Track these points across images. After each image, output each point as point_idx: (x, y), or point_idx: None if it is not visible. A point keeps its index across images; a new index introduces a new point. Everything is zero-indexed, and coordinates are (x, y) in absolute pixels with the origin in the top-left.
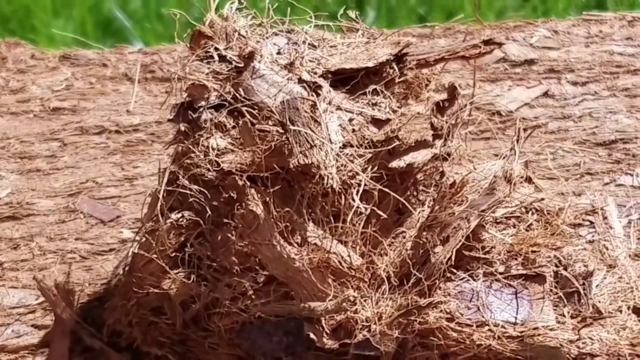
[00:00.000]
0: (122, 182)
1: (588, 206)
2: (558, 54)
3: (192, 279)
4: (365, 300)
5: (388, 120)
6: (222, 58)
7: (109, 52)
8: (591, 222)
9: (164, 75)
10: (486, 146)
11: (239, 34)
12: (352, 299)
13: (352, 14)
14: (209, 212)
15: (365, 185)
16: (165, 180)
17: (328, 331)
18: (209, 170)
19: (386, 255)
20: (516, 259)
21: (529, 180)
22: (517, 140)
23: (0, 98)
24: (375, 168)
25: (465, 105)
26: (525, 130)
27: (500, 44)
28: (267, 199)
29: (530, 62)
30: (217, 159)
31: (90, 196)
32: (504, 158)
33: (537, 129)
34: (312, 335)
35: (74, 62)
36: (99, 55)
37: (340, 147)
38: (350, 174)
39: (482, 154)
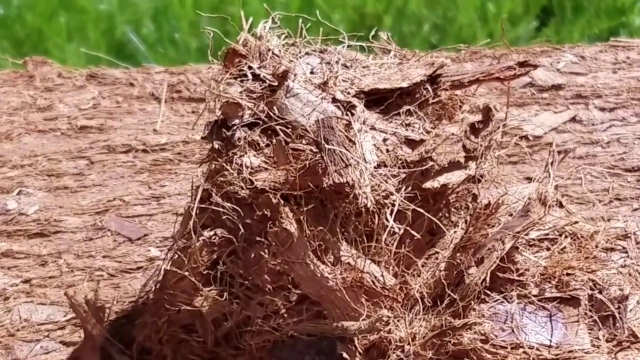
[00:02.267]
0: (150, 200)
1: (620, 231)
2: (585, 80)
3: (224, 297)
4: (398, 321)
5: (422, 141)
6: (256, 77)
7: (136, 72)
8: (623, 247)
9: (191, 95)
10: (514, 170)
11: (273, 53)
12: (385, 319)
13: (384, 35)
14: (242, 230)
15: (399, 205)
16: (199, 197)
17: (361, 351)
18: (242, 188)
19: (419, 275)
20: (550, 282)
21: (560, 204)
22: (552, 163)
23: (28, 116)
24: (409, 188)
25: (499, 127)
26: (559, 152)
27: (535, 66)
28: (301, 217)
29: (558, 87)
30: (250, 177)
31: (117, 214)
32: (537, 181)
33: (567, 153)
34: (344, 355)
35: (101, 81)
36: (125, 75)
37: (374, 167)
38: (384, 193)
39: (510, 178)
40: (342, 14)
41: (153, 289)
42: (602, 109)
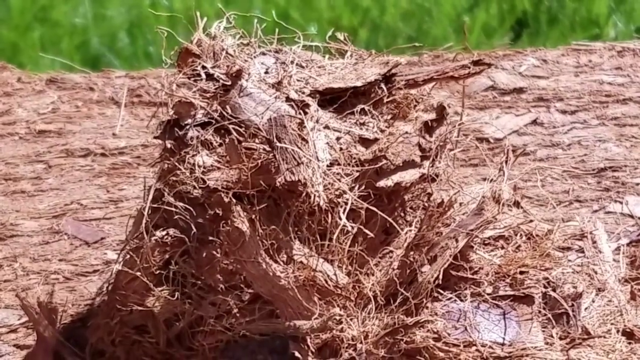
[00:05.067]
0: (107, 204)
1: (577, 230)
2: (547, 83)
3: (176, 297)
4: (351, 319)
5: (376, 140)
6: (210, 76)
7: (96, 76)
8: (580, 247)
9: (151, 99)
10: (474, 173)
11: (227, 52)
12: (338, 317)
13: (340, 35)
14: (194, 230)
15: (353, 204)
16: (151, 197)
17: (313, 350)
18: (194, 187)
19: (373, 274)
20: (504, 280)
21: (517, 204)
22: (506, 162)
23: None
24: (363, 187)
25: (454, 126)
26: (514, 151)
27: (489, 64)
28: (253, 216)
29: (519, 90)
30: (203, 176)
31: (74, 218)
32: (492, 180)
33: (525, 155)
34: (297, 354)
35: (61, 85)
36: (85, 79)
37: (327, 166)
38: (337, 192)
39: (470, 180)
40: (317, 26)
41: (106, 290)
42: (564, 112)
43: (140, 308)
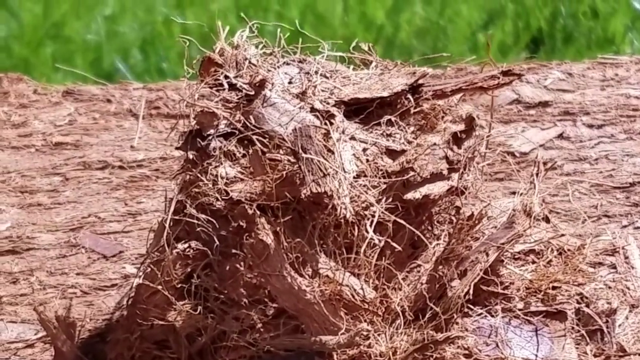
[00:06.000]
0: (125, 217)
1: (608, 246)
2: (573, 97)
3: (198, 311)
4: (379, 335)
5: (403, 151)
6: (232, 86)
7: (113, 88)
8: (611, 262)
9: (169, 111)
10: (500, 187)
11: (250, 62)
12: (365, 333)
13: (364, 45)
14: (217, 242)
15: (380, 216)
16: (172, 209)
17: None
18: (217, 199)
19: (400, 289)
20: (536, 296)
21: (546, 219)
22: (537, 174)
23: (2, 132)
24: (390, 199)
25: (483, 138)
26: (545, 164)
27: (519, 75)
28: (278, 229)
29: (545, 104)
30: (226, 188)
31: (92, 231)
32: (522, 193)
33: (552, 169)
34: None
35: (77, 97)
36: (102, 91)
37: (354, 177)
38: (364, 204)
39: (497, 195)
40: (332, 44)
41: (125, 304)
42: (590, 126)
43: (161, 322)
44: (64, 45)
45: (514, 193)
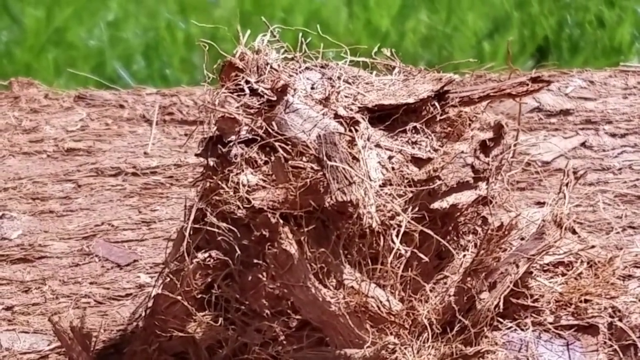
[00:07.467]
0: (140, 225)
1: (638, 258)
2: (595, 105)
3: (219, 323)
4: (405, 348)
5: (429, 159)
6: (254, 91)
7: (126, 93)
8: None
9: (183, 117)
10: (522, 196)
11: (271, 67)
12: (391, 346)
13: (387, 51)
14: (238, 252)
15: (406, 226)
16: (192, 217)
17: None
18: (239, 207)
19: (427, 300)
20: (566, 309)
21: (572, 230)
22: (567, 184)
23: (12, 138)
24: (416, 209)
25: (510, 147)
26: (575, 173)
27: (549, 82)
28: (301, 238)
29: (566, 112)
30: (247, 196)
31: (105, 239)
32: (551, 203)
33: (583, 175)
34: None
35: (90, 102)
36: (115, 96)
37: (379, 186)
38: (389, 214)
39: (519, 204)
40: (335, 51)
41: (143, 315)
42: (613, 135)
43: (180, 334)
44: (67, 50)
45: (537, 203)
